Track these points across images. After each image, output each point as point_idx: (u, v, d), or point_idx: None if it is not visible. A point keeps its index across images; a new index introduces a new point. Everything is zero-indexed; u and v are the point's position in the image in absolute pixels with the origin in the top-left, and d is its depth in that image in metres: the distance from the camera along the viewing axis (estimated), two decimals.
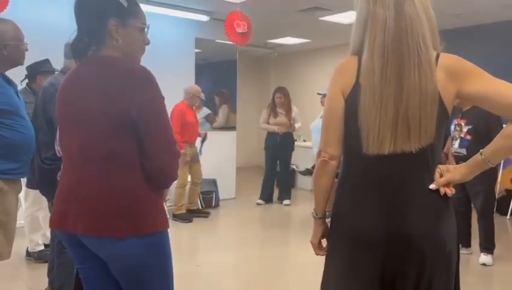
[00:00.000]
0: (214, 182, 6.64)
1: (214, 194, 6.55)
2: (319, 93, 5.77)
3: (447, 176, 1.41)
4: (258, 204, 6.71)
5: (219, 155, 6.80)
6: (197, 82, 6.59)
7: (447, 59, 1.41)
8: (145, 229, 1.50)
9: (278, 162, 6.71)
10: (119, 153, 1.48)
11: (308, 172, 7.11)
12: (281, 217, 6.15)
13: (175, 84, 5.54)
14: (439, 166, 1.44)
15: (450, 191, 1.41)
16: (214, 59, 6.95)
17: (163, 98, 1.53)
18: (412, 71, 1.36)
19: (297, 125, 6.55)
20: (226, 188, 6.99)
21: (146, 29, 1.64)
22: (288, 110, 6.58)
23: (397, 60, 1.37)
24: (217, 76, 6.99)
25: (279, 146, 6.57)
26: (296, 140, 7.00)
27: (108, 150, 1.48)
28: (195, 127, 5.76)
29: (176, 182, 5.70)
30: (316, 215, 1.59)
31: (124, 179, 1.49)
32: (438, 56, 1.41)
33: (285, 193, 6.81)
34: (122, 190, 1.48)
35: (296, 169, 7.90)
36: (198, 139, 5.89)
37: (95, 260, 1.58)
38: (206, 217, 5.96)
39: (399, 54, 1.37)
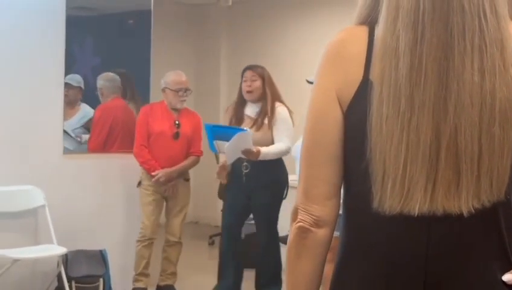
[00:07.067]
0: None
1: None
2: (308, 81, 3.63)
3: None
4: None
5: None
6: (69, 50, 3.95)
7: None
8: None
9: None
10: None
11: None
12: None
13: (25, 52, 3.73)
14: None
15: None
16: (106, 9, 4.40)
17: None
18: (467, 60, 0.92)
19: (274, 148, 3.62)
20: None
21: None
22: (264, 108, 3.69)
23: (440, 38, 0.93)
24: (114, 42, 4.41)
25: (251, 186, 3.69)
26: None
27: None
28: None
29: None
30: None
31: None
32: None
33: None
34: None
35: None
36: None
37: None
38: None
39: (444, 27, 0.93)
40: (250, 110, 3.69)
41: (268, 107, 3.64)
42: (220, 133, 3.49)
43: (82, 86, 3.97)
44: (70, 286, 3.68)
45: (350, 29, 1.03)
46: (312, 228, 1.01)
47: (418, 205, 0.93)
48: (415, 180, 0.92)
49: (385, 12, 0.95)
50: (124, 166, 4.01)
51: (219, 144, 3.47)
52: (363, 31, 1.00)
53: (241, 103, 3.74)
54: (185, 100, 3.91)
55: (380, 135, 0.93)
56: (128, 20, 4.45)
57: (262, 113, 3.64)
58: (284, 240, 4.58)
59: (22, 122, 3.56)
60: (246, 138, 3.38)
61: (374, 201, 0.94)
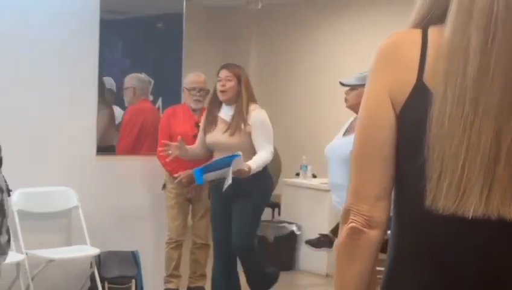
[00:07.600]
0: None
1: None
2: (342, 84, 3.62)
3: None
4: None
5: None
6: (102, 55, 3.93)
7: None
8: None
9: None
10: None
11: (324, 241, 4.48)
12: None
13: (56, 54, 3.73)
14: None
15: None
16: (137, 12, 4.39)
17: None
18: None
19: (259, 160, 3.36)
20: None
21: None
22: (238, 110, 3.46)
23: (511, 42, 0.90)
24: (143, 45, 4.37)
25: (230, 193, 3.39)
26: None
27: None
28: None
29: None
30: None
31: None
32: None
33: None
34: None
35: (297, 233, 5.12)
36: None
37: None
38: None
39: None
40: (225, 113, 3.46)
41: (243, 109, 3.41)
42: (210, 169, 3.25)
43: (114, 88, 3.98)
44: (103, 287, 3.70)
45: (401, 32, 1.03)
46: (364, 229, 1.01)
47: (472, 208, 0.92)
48: (471, 182, 0.92)
49: (456, 10, 0.94)
50: (155, 168, 4.00)
51: (208, 175, 3.28)
52: (416, 33, 1.00)
53: (215, 104, 3.50)
54: (199, 100, 3.80)
55: (441, 133, 0.92)
56: (157, 24, 4.43)
57: (236, 116, 3.42)
58: (312, 242, 4.60)
59: (56, 124, 3.59)
60: (239, 161, 3.19)
61: (428, 199, 0.93)
